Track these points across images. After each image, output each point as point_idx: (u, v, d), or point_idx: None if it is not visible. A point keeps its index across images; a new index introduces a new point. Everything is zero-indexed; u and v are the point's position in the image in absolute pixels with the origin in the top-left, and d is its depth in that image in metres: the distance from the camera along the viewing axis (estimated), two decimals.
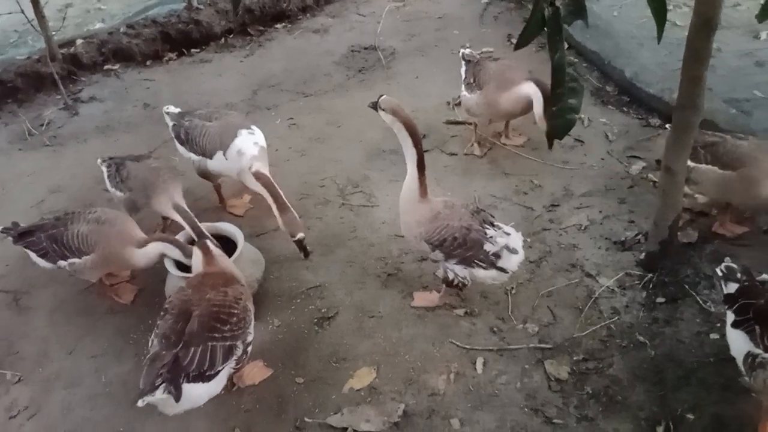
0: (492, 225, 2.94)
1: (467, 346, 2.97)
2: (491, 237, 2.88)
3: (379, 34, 5.84)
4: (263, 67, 5.50)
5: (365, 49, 5.71)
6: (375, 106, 2.96)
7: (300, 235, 3.40)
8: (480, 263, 2.90)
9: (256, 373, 2.94)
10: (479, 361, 2.91)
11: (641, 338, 2.92)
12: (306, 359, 3.00)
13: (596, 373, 2.82)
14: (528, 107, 3.90)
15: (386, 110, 2.89)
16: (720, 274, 2.53)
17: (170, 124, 3.83)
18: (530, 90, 3.84)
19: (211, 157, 3.57)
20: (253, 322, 2.70)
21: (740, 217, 3.47)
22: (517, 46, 1.78)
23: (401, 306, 3.23)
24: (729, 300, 2.41)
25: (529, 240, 3.54)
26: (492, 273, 2.93)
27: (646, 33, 5.21)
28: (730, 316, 2.36)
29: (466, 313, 3.16)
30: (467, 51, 4.30)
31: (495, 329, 3.07)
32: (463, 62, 4.26)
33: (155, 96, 5.17)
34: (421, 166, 2.92)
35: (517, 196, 3.91)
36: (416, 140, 2.87)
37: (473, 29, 5.88)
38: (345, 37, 5.91)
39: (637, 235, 3.47)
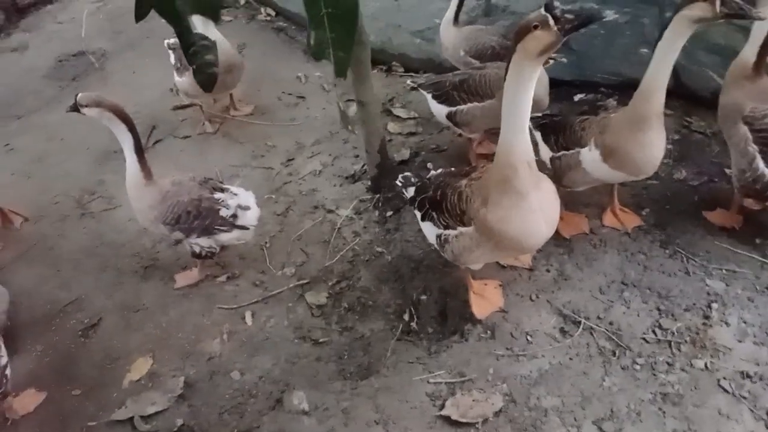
0: (221, 190, 3.13)
1: (234, 306, 3.17)
2: (222, 201, 3.07)
3: (84, 38, 5.61)
4: None
5: (73, 56, 5.45)
6: (75, 107, 2.94)
7: None
8: (220, 228, 3.09)
9: (27, 401, 2.85)
10: (248, 315, 3.12)
11: (379, 249, 3.35)
12: (79, 371, 2.97)
13: (349, 290, 3.19)
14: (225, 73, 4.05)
15: (89, 105, 2.90)
16: (399, 184, 3.00)
17: None
18: None
19: None
20: (3, 348, 2.63)
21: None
22: (137, 18, 1.93)
23: (165, 292, 3.31)
24: (412, 201, 2.88)
25: (273, 196, 3.81)
26: (235, 234, 3.13)
27: None
28: (418, 213, 2.83)
29: (228, 277, 3.33)
30: (172, 41, 4.34)
31: (257, 283, 3.29)
32: (170, 51, 4.32)
33: None
34: (139, 150, 2.99)
35: (255, 160, 4.14)
36: (129, 124, 2.94)
37: None
38: (48, 49, 5.57)
39: (363, 166, 3.91)
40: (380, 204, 3.62)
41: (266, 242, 3.50)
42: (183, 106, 4.64)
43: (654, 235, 2.99)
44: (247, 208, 3.11)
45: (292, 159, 4.11)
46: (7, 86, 5.11)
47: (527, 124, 2.15)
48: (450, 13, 4.17)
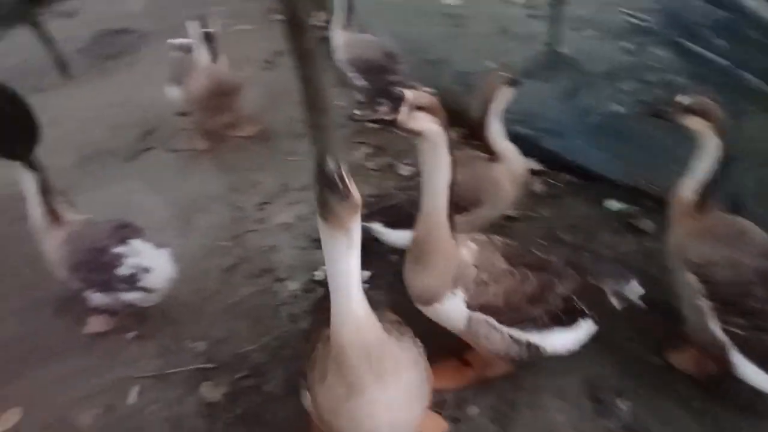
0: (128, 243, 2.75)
1: (126, 375, 2.81)
2: (122, 257, 2.69)
3: (134, 15, 5.42)
4: None
5: (117, 32, 5.28)
6: None
7: None
8: (119, 287, 2.72)
9: None
10: (134, 391, 2.73)
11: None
12: None
13: (253, 391, 2.72)
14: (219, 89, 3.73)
15: None
16: None
17: None
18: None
19: None
20: None
21: None
22: None
23: (72, 333, 3.00)
24: None
25: (229, 245, 3.40)
26: (136, 295, 2.75)
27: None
28: None
29: (138, 335, 2.98)
30: (180, 41, 3.98)
31: (164, 351, 2.90)
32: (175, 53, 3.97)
33: None
34: (44, 192, 2.70)
35: (232, 195, 3.74)
36: (33, 164, 2.64)
37: (235, 3, 5.55)
38: (95, 20, 5.44)
39: None
40: None
41: (195, 303, 3.10)
42: (187, 113, 4.31)
43: None
44: (148, 270, 2.71)
45: (269, 203, 3.66)
46: (44, 54, 4.99)
47: (358, 295, 1.61)
48: (338, 14, 3.98)
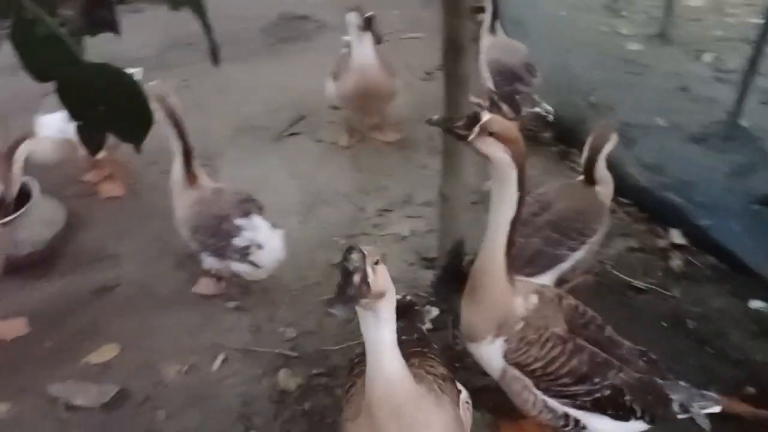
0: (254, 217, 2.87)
1: (217, 341, 2.93)
2: (239, 228, 2.80)
3: (318, 4, 5.69)
4: (186, 23, 5.39)
5: (298, 18, 5.58)
6: None
7: None
8: (232, 256, 2.84)
9: (10, 329, 2.98)
10: (219, 358, 2.86)
11: None
12: (65, 325, 3.03)
13: (325, 391, 2.72)
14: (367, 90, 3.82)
15: (152, 99, 2.83)
16: None
17: None
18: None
19: None
20: None
21: None
22: None
23: (183, 289, 3.21)
24: None
25: (342, 242, 3.45)
26: (245, 267, 2.87)
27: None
28: None
29: (238, 307, 3.10)
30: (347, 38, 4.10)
31: (256, 328, 3.00)
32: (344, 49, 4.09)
33: None
34: (186, 155, 2.89)
35: (358, 194, 3.79)
36: (181, 131, 2.84)
37: (414, 11, 5.64)
38: (282, 2, 5.77)
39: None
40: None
41: (296, 288, 3.17)
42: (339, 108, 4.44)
43: None
44: (260, 247, 2.81)
45: (390, 210, 3.66)
46: (227, 26, 5.32)
47: (391, 357, 1.60)
48: (486, 18, 4.12)
